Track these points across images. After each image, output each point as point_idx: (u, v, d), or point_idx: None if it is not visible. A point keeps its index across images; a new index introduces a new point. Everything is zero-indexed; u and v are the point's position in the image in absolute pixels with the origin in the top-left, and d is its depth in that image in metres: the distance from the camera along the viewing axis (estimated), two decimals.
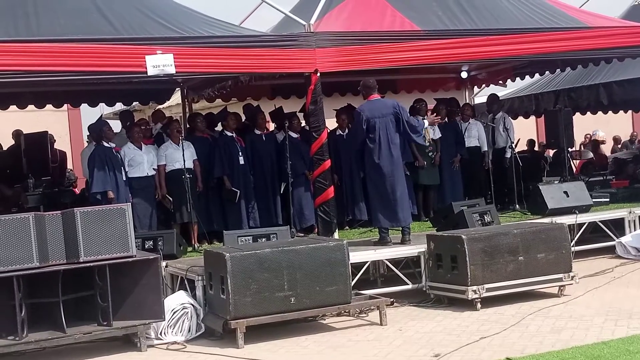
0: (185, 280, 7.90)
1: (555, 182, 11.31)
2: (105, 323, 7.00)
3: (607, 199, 11.31)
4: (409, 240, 8.83)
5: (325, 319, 7.75)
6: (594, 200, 10.68)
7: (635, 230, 10.22)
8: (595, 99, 14.12)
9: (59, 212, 7.07)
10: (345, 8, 9.89)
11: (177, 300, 7.44)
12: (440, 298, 8.22)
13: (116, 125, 11.90)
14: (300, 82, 9.58)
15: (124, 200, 9.23)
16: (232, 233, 8.71)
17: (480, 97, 15.16)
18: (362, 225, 10.83)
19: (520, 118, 15.65)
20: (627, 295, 7.97)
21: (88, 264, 6.89)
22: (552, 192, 10.39)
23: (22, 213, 7.27)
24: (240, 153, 10.34)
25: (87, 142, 11.27)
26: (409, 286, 8.49)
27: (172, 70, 8.18)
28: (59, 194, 11.21)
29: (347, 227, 10.88)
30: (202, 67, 8.54)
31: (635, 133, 19.88)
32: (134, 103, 14.09)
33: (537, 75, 14.43)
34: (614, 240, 10.19)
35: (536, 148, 16.91)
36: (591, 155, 16.85)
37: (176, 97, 14.97)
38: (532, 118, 16.72)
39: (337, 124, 10.96)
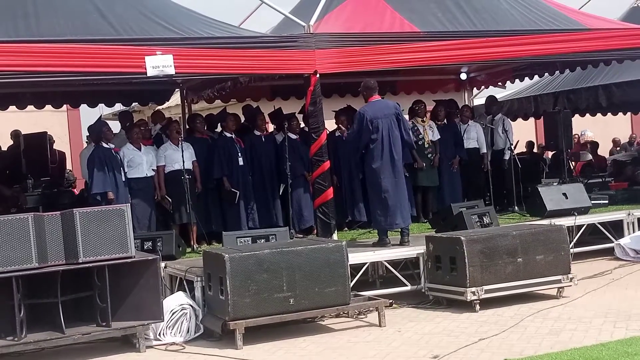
0: (184, 281, 7.90)
1: (554, 183, 11.33)
2: (104, 324, 7.00)
3: (606, 201, 11.32)
4: (407, 242, 8.83)
5: (324, 320, 7.75)
6: (592, 202, 10.69)
7: (633, 232, 10.23)
8: (594, 101, 14.13)
9: (58, 212, 7.06)
10: (344, 9, 9.89)
11: (176, 301, 7.44)
12: (439, 299, 8.22)
13: (115, 126, 11.91)
14: (299, 83, 9.58)
15: (123, 201, 9.22)
16: (231, 234, 8.71)
17: (480, 98, 15.17)
18: (361, 226, 10.84)
19: (520, 120, 15.67)
20: (625, 297, 7.97)
21: (87, 265, 6.88)
22: (551, 194, 10.40)
23: (21, 213, 7.27)
24: (239, 154, 10.33)
25: (87, 142, 11.27)
26: (408, 287, 8.50)
27: (171, 71, 8.18)
28: (58, 194, 11.20)
29: (346, 229, 10.88)
30: (201, 68, 8.55)
31: (634, 135, 19.89)
32: (134, 104, 14.09)
33: (536, 77, 14.43)
34: (613, 242, 10.19)
35: (535, 150, 16.92)
36: (590, 157, 16.86)
37: (175, 98, 14.97)
38: (531, 120, 16.75)
39: (336, 125, 10.96)
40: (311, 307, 7.22)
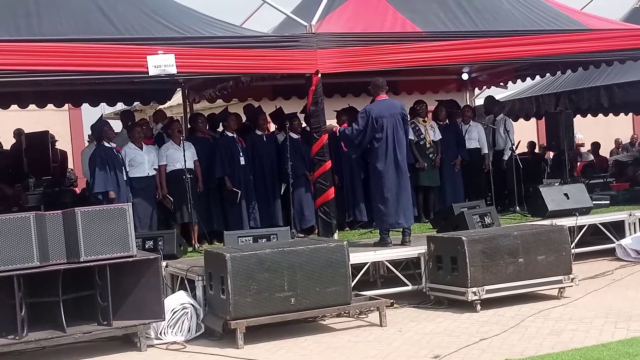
0: (186, 281, 7.91)
1: (556, 184, 11.31)
2: (105, 323, 7.00)
3: (607, 202, 11.32)
4: (409, 242, 8.83)
5: (325, 320, 7.76)
6: (594, 202, 10.68)
7: (635, 232, 10.22)
8: (596, 101, 14.13)
9: (60, 211, 7.07)
10: (346, 9, 9.90)
11: (177, 300, 7.45)
12: (440, 299, 8.22)
13: (117, 125, 11.91)
14: (301, 83, 9.59)
15: (125, 200, 9.23)
16: (232, 233, 8.72)
17: (481, 99, 15.11)
18: (362, 226, 10.85)
19: (521, 120, 15.66)
20: (626, 298, 7.97)
21: (88, 264, 6.89)
22: (552, 194, 10.40)
23: (22, 212, 7.28)
24: (241, 153, 10.34)
25: (88, 141, 11.28)
26: (409, 287, 8.50)
27: (173, 70, 8.19)
28: (59, 193, 11.22)
29: (347, 228, 10.88)
30: (203, 68, 8.56)
31: (635, 135, 19.88)
32: (135, 103, 14.09)
33: (537, 77, 14.42)
34: (614, 242, 10.19)
35: (537, 150, 16.92)
36: (591, 157, 16.87)
37: (177, 98, 14.99)
38: (533, 120, 16.74)
39: (337, 125, 10.94)
40: (312, 307, 7.22)
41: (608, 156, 18.00)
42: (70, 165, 13.85)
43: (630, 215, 10.31)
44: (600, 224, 10.25)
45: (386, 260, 8.69)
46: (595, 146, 17.59)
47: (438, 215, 10.61)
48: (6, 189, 10.99)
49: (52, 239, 6.89)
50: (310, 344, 6.94)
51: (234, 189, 10.17)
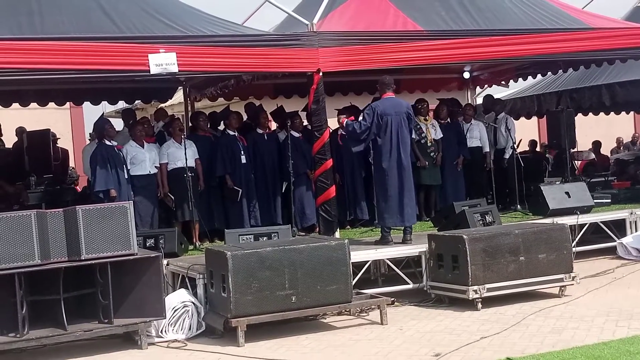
0: (187, 279, 7.91)
1: (557, 182, 11.32)
2: (106, 321, 7.01)
3: (609, 200, 11.31)
4: (410, 240, 8.83)
5: (326, 318, 7.76)
6: (595, 201, 10.69)
7: (636, 231, 10.22)
8: (598, 100, 14.13)
9: (61, 209, 7.07)
10: (348, 8, 9.90)
11: (178, 299, 7.45)
12: (441, 298, 8.22)
13: (118, 124, 11.92)
14: (302, 82, 9.60)
15: (126, 198, 9.23)
16: (233, 232, 8.72)
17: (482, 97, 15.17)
18: (363, 224, 10.86)
19: (522, 119, 15.67)
20: (627, 296, 7.97)
21: (89, 262, 6.89)
22: (553, 193, 10.40)
23: (24, 210, 7.27)
24: (242, 152, 10.35)
25: (89, 139, 11.28)
26: (410, 286, 8.50)
27: (174, 69, 8.20)
28: (60, 191, 11.22)
29: (348, 227, 10.89)
30: (204, 66, 8.56)
31: (637, 134, 19.88)
32: (137, 101, 14.12)
33: (539, 76, 14.42)
34: (615, 241, 10.19)
35: (538, 149, 16.91)
36: (593, 156, 16.85)
37: (178, 96, 15.01)
38: (534, 119, 16.74)
39: (338, 124, 10.95)
40: (313, 305, 7.22)
41: (609, 155, 17.99)
42: (71, 164, 13.86)
43: (632, 213, 10.31)
44: (601, 222, 10.26)
45: (387, 259, 8.69)
46: (597, 145, 17.58)
47: (439, 214, 10.62)
48: (7, 187, 11.01)
49: (53, 237, 6.89)
50: (311, 342, 6.94)
51: (235, 187, 10.17)
